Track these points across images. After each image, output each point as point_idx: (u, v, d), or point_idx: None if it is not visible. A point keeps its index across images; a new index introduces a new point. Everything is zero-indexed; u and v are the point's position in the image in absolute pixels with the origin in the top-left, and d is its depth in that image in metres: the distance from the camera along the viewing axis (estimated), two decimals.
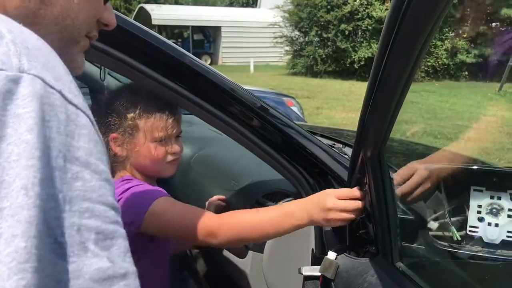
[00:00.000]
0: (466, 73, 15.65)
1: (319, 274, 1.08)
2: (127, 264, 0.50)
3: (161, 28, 23.54)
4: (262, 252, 1.41)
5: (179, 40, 24.22)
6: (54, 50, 0.59)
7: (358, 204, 1.04)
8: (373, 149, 0.91)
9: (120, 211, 0.52)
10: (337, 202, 1.04)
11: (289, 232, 1.11)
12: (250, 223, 1.11)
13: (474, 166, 1.11)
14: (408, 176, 1.04)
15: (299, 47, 17.90)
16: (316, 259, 1.15)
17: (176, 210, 1.17)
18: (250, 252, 1.51)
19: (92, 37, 0.65)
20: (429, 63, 15.31)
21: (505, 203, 1.02)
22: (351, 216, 1.04)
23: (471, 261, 1.04)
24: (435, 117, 9.08)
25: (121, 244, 0.49)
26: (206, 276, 1.82)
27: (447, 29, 15.59)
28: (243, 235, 1.12)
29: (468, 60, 15.58)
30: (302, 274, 1.11)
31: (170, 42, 1.21)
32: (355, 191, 1.05)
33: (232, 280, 1.62)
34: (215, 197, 1.63)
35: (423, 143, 5.56)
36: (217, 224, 1.12)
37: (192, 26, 23.24)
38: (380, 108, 0.79)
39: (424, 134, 7.42)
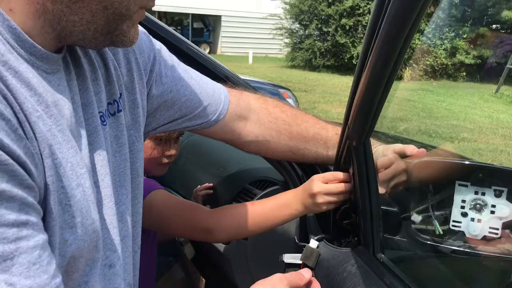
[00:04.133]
0: (465, 73, 15.65)
1: (300, 262, 1.08)
2: (30, 281, 0.49)
3: (161, 15, 23.39)
4: (246, 239, 1.41)
5: (178, 27, 24.06)
6: (100, 29, 0.60)
7: (342, 186, 1.04)
8: (358, 139, 0.90)
9: (34, 210, 0.51)
10: (322, 186, 1.05)
11: (286, 222, 1.12)
12: (247, 217, 1.11)
13: (460, 160, 1.11)
14: (387, 166, 1.04)
15: (298, 40, 17.84)
16: (298, 247, 1.15)
17: (171, 204, 1.17)
18: None
19: (148, 7, 0.64)
20: (428, 62, 15.30)
21: (489, 199, 1.02)
22: (335, 198, 1.05)
23: (452, 255, 1.04)
24: (431, 116, 9.09)
25: (24, 259, 0.49)
26: (194, 260, 1.82)
27: (447, 29, 15.58)
28: (241, 230, 1.13)
29: (467, 61, 15.58)
30: (283, 261, 1.11)
31: (166, 26, 1.20)
32: (338, 174, 1.06)
33: (217, 266, 1.62)
34: (203, 186, 1.63)
35: (418, 140, 5.58)
36: (214, 221, 1.12)
37: (192, 14, 23.10)
38: (366, 96, 0.79)
39: (419, 132, 7.44)
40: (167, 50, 0.92)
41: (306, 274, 0.88)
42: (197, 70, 1.19)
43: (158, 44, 0.89)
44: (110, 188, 0.70)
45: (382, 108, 0.81)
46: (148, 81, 0.85)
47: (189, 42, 1.22)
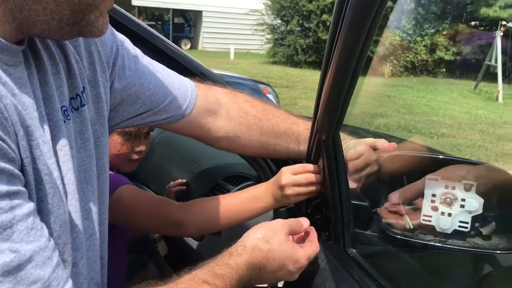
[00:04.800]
0: (444, 70, 15.82)
1: None
2: (32, 245, 0.51)
3: (141, 10, 23.14)
4: (219, 234, 1.39)
5: (159, 23, 23.84)
6: (65, 19, 0.59)
7: (311, 177, 1.03)
8: (327, 133, 0.89)
9: (20, 180, 0.53)
10: (291, 177, 1.04)
11: (258, 215, 1.10)
12: (218, 211, 1.09)
13: (430, 154, 1.11)
14: (356, 158, 1.04)
15: (280, 36, 17.84)
16: None
17: (141, 199, 1.15)
18: (207, 235, 1.49)
19: None
20: (408, 59, 15.41)
21: (458, 193, 1.01)
22: (304, 189, 1.04)
23: (423, 249, 1.04)
24: (411, 112, 9.18)
25: (22, 226, 0.51)
26: (167, 258, 1.80)
27: (427, 26, 15.72)
28: (212, 223, 1.11)
29: (447, 57, 15.75)
30: None
31: (140, 21, 1.17)
32: (308, 166, 1.05)
33: (190, 262, 1.60)
34: (176, 182, 1.61)
35: (397, 136, 5.62)
36: (184, 214, 1.11)
37: (173, 9, 22.89)
38: (333, 88, 0.77)
39: (399, 128, 7.51)
40: (131, 43, 0.89)
41: (304, 222, 0.93)
42: (171, 65, 1.16)
43: (120, 36, 0.86)
44: (73, 184, 0.68)
45: (350, 101, 0.80)
46: (111, 75, 0.83)
47: (163, 37, 1.20)
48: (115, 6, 1.12)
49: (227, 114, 1.05)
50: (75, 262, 0.68)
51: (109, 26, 0.83)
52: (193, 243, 1.48)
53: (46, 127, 0.63)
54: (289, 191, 1.04)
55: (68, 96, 0.70)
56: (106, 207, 0.81)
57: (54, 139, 0.65)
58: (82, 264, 0.71)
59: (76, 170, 0.69)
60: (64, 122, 0.68)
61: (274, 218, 1.25)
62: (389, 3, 0.65)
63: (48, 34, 0.61)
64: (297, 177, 1.03)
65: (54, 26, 0.59)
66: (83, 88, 0.74)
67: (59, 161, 0.65)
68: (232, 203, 1.10)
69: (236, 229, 1.18)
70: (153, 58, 1.15)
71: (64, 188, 0.66)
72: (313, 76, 13.84)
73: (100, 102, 0.78)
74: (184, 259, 1.64)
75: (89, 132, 0.74)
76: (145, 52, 1.16)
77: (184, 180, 1.60)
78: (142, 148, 1.30)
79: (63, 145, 0.66)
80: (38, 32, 0.61)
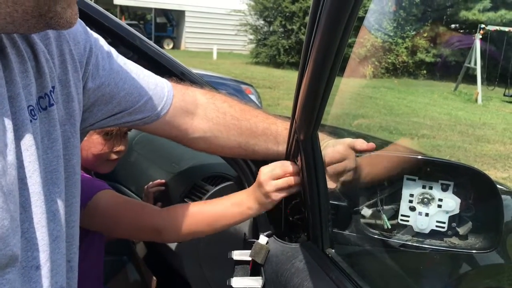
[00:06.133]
0: (425, 71, 16.03)
1: (249, 258, 1.06)
2: None
3: (123, 9, 22.94)
4: None
5: (141, 22, 23.68)
6: (30, 11, 0.56)
7: (291, 180, 1.02)
8: (305, 132, 0.89)
9: None
10: (273, 184, 1.02)
11: (241, 222, 1.08)
12: (199, 217, 1.07)
13: (408, 155, 1.12)
14: (337, 159, 1.03)
15: (263, 37, 17.88)
16: (249, 244, 1.13)
17: (118, 205, 1.11)
18: None
19: None
20: (389, 60, 15.57)
21: (436, 193, 1.02)
22: (288, 193, 1.04)
23: (401, 249, 1.04)
24: (392, 113, 9.28)
25: None
26: (146, 259, 1.78)
27: (408, 28, 15.90)
28: (193, 230, 1.08)
29: (428, 59, 15.96)
30: (232, 258, 1.09)
31: (119, 21, 1.15)
32: (286, 164, 1.04)
33: (169, 263, 1.58)
34: (155, 182, 1.59)
35: (379, 137, 5.67)
36: (164, 221, 1.08)
37: (155, 9, 22.74)
38: (310, 88, 0.77)
39: (380, 129, 7.57)
40: (105, 42, 0.87)
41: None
42: (151, 65, 1.15)
43: (94, 35, 0.84)
44: (39, 185, 0.65)
45: (327, 100, 0.80)
46: (84, 74, 0.81)
47: (142, 37, 1.18)
48: (94, 4, 1.11)
49: (204, 114, 1.04)
50: (39, 265, 0.66)
51: (83, 24, 0.81)
52: (172, 245, 1.47)
53: (10, 126, 0.60)
54: (275, 197, 1.02)
55: (36, 96, 0.68)
56: (76, 210, 0.79)
57: (19, 139, 0.62)
58: (46, 266, 0.68)
59: (42, 171, 0.67)
60: (31, 121, 0.65)
61: (251, 223, 1.25)
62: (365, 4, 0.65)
63: (13, 28, 0.59)
64: (280, 183, 1.02)
65: (19, 19, 0.57)
66: (53, 87, 0.72)
67: (23, 163, 0.62)
68: (212, 210, 1.07)
69: (213, 233, 1.17)
70: (132, 57, 1.14)
71: (27, 190, 0.63)
72: (296, 77, 13.84)
73: (71, 102, 0.76)
74: (163, 260, 1.63)
75: (57, 133, 0.72)
76: (125, 51, 1.14)
77: (163, 181, 1.58)
78: (121, 148, 1.28)
79: (29, 145, 0.63)
80: (2, 27, 0.58)
